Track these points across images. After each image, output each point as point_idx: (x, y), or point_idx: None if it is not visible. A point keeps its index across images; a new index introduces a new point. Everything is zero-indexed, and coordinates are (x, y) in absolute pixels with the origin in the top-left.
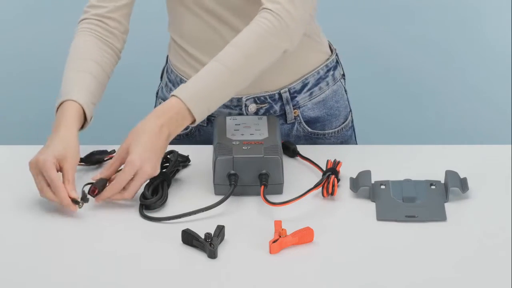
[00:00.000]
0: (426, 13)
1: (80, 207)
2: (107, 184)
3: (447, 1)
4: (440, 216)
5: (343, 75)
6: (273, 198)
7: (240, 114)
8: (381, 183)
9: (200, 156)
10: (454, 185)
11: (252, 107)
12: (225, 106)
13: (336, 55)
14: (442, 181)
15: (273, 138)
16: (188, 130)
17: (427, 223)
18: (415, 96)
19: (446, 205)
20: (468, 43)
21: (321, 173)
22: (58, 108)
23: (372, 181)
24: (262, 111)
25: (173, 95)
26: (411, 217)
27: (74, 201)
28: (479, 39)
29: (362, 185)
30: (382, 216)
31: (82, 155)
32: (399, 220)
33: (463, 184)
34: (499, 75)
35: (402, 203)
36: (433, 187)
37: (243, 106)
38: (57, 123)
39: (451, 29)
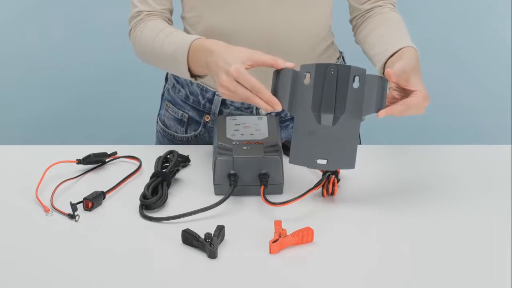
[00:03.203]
0: (427, 13)
1: (76, 221)
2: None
3: (447, 1)
4: (349, 163)
5: None
6: (273, 198)
7: (251, 115)
8: (306, 70)
9: (200, 156)
10: (368, 110)
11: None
12: (236, 108)
13: (342, 57)
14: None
15: (273, 138)
16: (198, 131)
17: (427, 222)
18: None
19: (446, 204)
20: (468, 43)
21: (321, 173)
22: (189, 50)
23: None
24: (273, 113)
25: (408, 47)
26: (322, 162)
27: (70, 216)
28: (479, 39)
29: (281, 93)
30: (294, 159)
31: (81, 156)
32: (310, 167)
33: (379, 102)
34: (499, 75)
35: (316, 131)
36: (356, 82)
37: (254, 108)
38: (206, 47)
39: (451, 30)
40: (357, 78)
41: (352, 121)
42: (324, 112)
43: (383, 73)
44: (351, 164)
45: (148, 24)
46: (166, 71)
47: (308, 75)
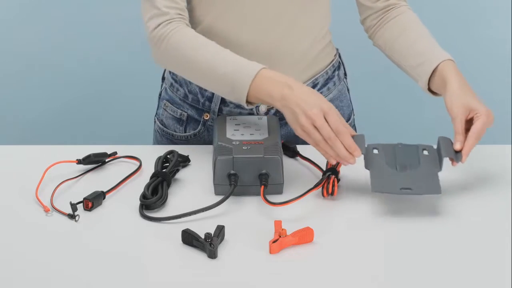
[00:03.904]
0: (426, 12)
1: (76, 221)
2: None
3: (447, 1)
4: (434, 189)
5: (345, 74)
6: (273, 198)
7: (251, 114)
8: (373, 146)
9: (200, 156)
10: (448, 154)
11: (263, 107)
12: (236, 105)
13: (339, 54)
14: (435, 147)
15: (273, 138)
16: (197, 130)
17: (427, 222)
18: (416, 96)
19: (446, 204)
20: (468, 42)
21: (321, 173)
22: (254, 77)
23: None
24: (272, 111)
25: (446, 60)
26: (407, 189)
27: (70, 216)
28: (479, 38)
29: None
30: (377, 187)
31: (81, 156)
32: (394, 193)
33: (457, 153)
34: (499, 75)
35: (396, 172)
36: (425, 152)
37: (254, 107)
38: (281, 81)
39: (451, 29)
40: (425, 151)
41: (430, 167)
42: (400, 169)
43: (428, 88)
44: (437, 190)
45: (185, 31)
46: (206, 87)
47: (376, 152)
